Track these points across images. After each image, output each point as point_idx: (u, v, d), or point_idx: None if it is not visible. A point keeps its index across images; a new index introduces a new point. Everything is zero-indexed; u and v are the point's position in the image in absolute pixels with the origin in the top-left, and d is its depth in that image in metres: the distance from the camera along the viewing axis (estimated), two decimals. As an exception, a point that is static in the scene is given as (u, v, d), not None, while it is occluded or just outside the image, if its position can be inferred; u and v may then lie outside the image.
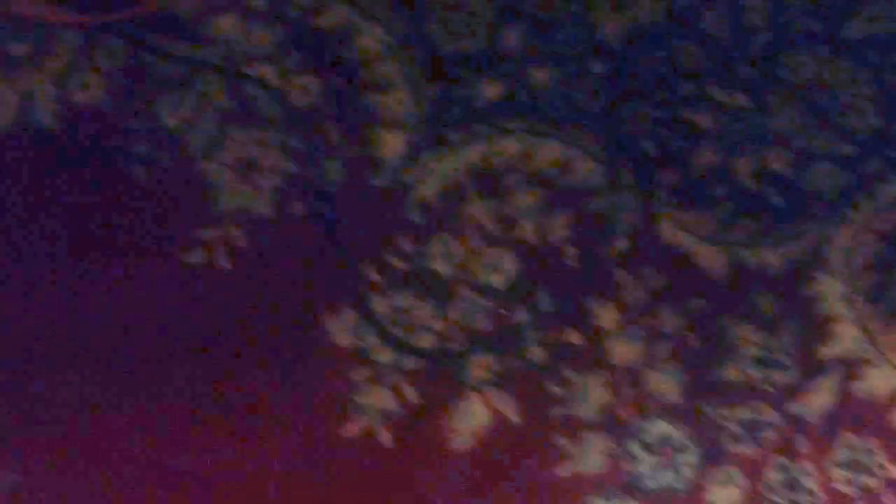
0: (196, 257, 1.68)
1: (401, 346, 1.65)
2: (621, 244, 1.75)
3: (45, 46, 1.81)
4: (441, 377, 1.64)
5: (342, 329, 1.65)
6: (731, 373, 1.69)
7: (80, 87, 1.79)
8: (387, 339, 1.65)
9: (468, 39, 1.88)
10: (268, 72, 1.82)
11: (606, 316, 1.70)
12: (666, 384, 1.68)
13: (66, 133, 1.76)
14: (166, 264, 1.68)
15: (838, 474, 1.66)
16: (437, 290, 1.69)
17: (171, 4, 1.84)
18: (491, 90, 1.85)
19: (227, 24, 1.85)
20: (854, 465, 1.65)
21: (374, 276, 1.69)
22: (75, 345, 1.63)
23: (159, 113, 1.78)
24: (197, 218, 1.71)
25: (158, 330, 1.65)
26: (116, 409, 1.61)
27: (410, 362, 1.64)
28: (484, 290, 1.71)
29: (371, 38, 1.86)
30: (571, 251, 1.74)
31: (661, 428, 1.66)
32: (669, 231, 1.78)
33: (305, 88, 1.82)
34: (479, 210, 1.76)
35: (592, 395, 1.65)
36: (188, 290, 1.67)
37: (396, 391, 1.62)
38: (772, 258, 1.77)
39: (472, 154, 1.80)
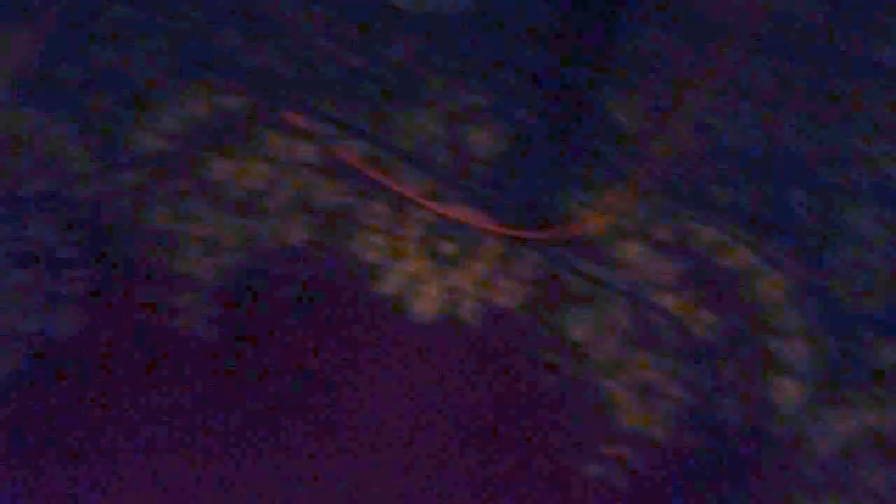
0: (594, 471, 1.76)
1: None
2: None
3: (471, 249, 2.03)
4: None
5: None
6: None
7: (499, 291, 1.97)
8: None
9: (871, 298, 1.91)
10: (671, 302, 1.94)
11: None
12: None
13: (484, 331, 1.93)
14: (563, 474, 1.77)
15: None
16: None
17: (585, 229, 2.02)
18: (893, 354, 1.86)
19: (634, 252, 2.00)
20: None
21: (766, 526, 1.70)
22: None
23: (567, 326, 1.92)
24: (595, 432, 1.80)
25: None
26: None
27: None
28: (880, 563, 1.66)
29: (771, 284, 1.94)
30: (977, 540, 1.67)
31: None
32: None
33: (706, 323, 1.91)
34: (875, 477, 1.74)
35: None
36: (583, 502, 1.75)
37: None
38: None
39: (871, 417, 1.80)
